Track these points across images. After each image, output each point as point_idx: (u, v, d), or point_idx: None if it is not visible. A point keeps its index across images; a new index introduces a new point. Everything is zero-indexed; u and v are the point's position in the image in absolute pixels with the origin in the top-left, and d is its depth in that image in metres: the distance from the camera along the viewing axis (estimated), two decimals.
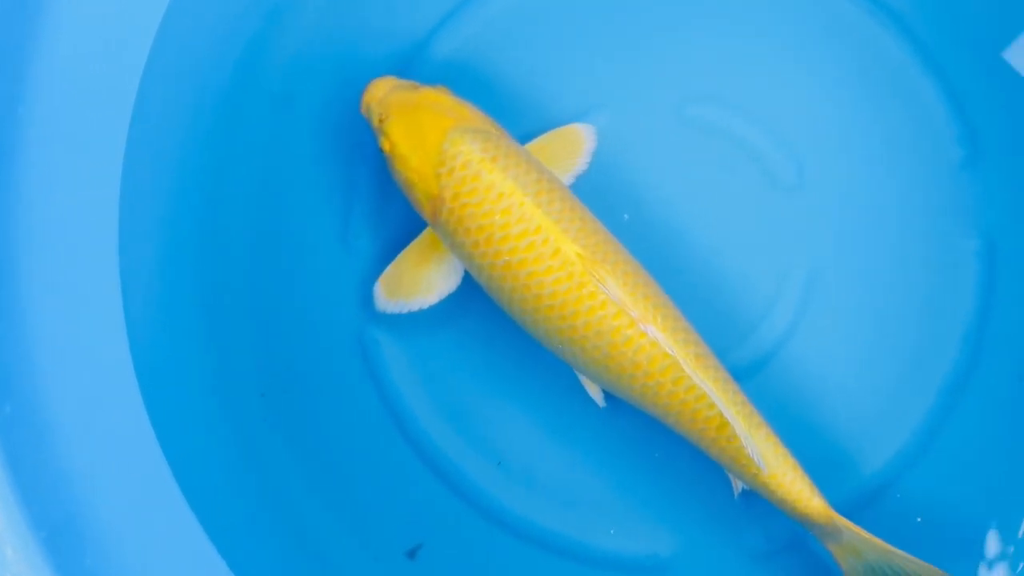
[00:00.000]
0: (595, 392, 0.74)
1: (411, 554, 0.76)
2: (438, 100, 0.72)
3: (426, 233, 0.74)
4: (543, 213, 0.69)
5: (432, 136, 0.70)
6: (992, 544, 0.75)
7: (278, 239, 0.79)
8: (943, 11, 0.82)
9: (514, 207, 0.68)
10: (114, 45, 0.72)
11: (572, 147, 0.77)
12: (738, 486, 0.73)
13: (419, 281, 0.74)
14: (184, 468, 0.71)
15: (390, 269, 0.75)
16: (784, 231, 0.80)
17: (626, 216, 0.78)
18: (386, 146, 0.72)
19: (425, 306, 0.74)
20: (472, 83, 0.80)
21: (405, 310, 0.74)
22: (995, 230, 0.80)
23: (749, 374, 0.79)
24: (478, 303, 0.75)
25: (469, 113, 0.72)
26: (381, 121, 0.72)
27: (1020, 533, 0.75)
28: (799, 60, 0.81)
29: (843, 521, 0.70)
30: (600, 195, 0.78)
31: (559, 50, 0.81)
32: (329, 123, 0.79)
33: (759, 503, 0.73)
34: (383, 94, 0.73)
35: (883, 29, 0.82)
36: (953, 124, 0.81)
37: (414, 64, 0.80)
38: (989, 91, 0.81)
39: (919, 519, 0.76)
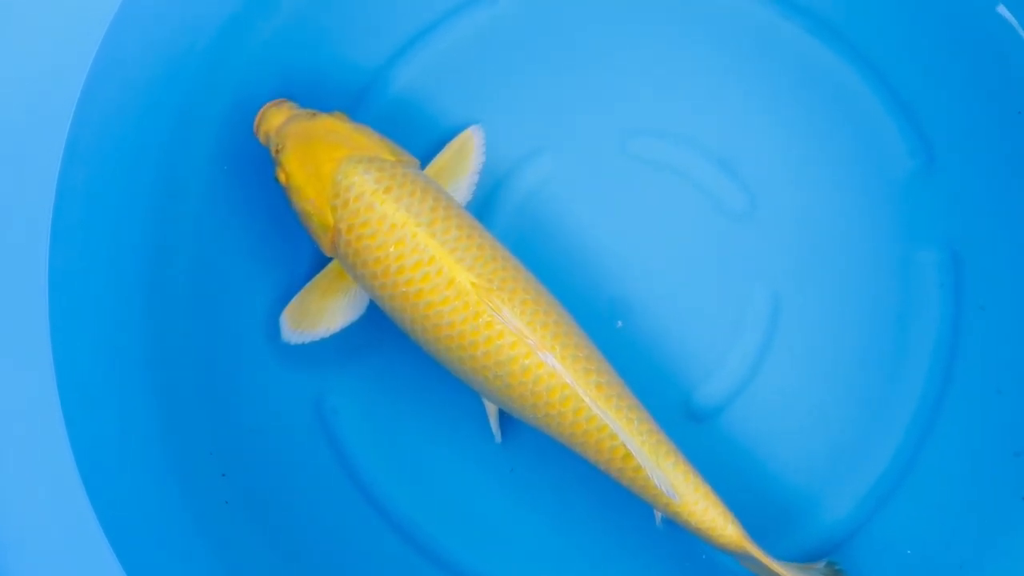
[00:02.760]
0: (494, 425, 0.74)
1: None
2: (334, 128, 0.72)
3: (333, 264, 0.74)
4: (437, 243, 0.68)
5: (326, 167, 0.70)
6: None
7: (222, 305, 0.78)
8: (883, 21, 0.80)
9: (407, 238, 0.68)
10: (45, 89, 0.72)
11: (464, 152, 0.77)
12: (659, 514, 0.71)
13: (323, 311, 0.74)
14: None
15: (295, 301, 0.75)
16: (741, 261, 0.78)
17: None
18: (282, 177, 0.72)
19: (327, 335, 0.75)
20: (414, 123, 0.79)
21: (309, 340, 0.75)
22: (957, 240, 0.78)
23: (715, 413, 0.77)
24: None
25: (366, 141, 0.71)
26: (277, 151, 0.72)
27: None
28: (739, 85, 0.80)
29: (757, 551, 0.69)
30: (548, 236, 0.78)
31: (498, 92, 0.80)
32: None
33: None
34: (280, 123, 0.73)
35: (822, 45, 0.80)
36: (904, 135, 0.79)
37: (360, 102, 0.79)
38: (937, 97, 0.79)
39: (908, 551, 0.75)
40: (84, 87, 0.73)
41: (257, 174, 0.78)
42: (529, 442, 0.76)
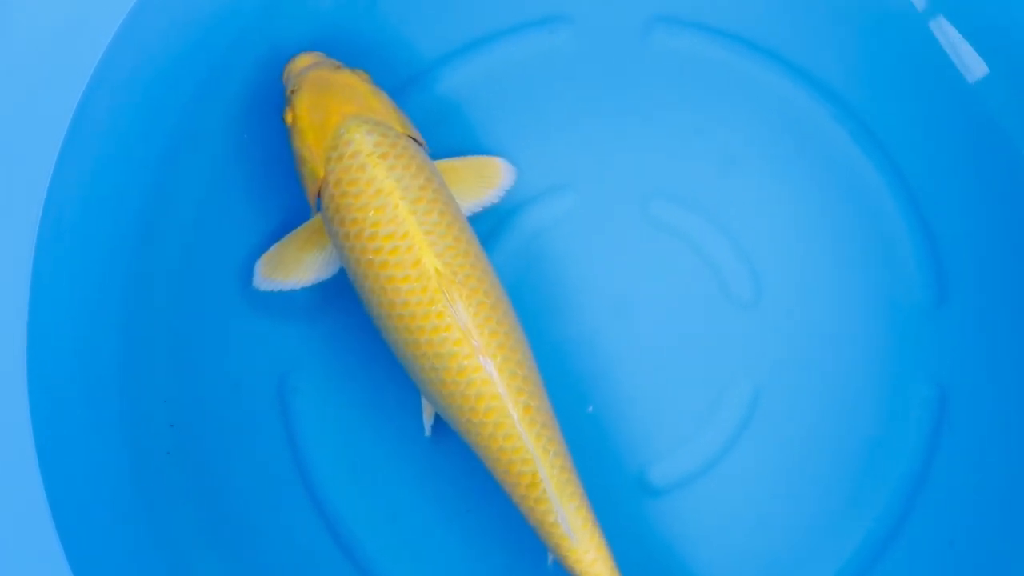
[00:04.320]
0: (427, 418, 0.73)
1: None
2: (352, 85, 0.72)
3: (315, 219, 0.74)
4: (416, 221, 0.68)
5: (333, 119, 0.70)
6: None
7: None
8: (924, 143, 0.79)
9: (388, 207, 0.68)
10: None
11: (486, 178, 0.76)
12: (551, 555, 0.70)
13: (297, 263, 0.74)
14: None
15: (273, 249, 0.75)
16: (731, 347, 0.77)
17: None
18: (288, 118, 0.72)
19: (298, 287, 0.74)
20: (446, 137, 0.79)
21: (278, 289, 0.75)
22: (949, 380, 0.77)
23: (668, 490, 0.76)
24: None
25: (379, 106, 0.71)
26: (292, 92, 0.73)
27: None
28: (773, 177, 0.79)
29: None
30: (547, 274, 0.78)
31: (536, 118, 0.79)
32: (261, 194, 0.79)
33: None
34: (303, 66, 0.73)
35: (866, 161, 0.79)
36: (921, 267, 0.78)
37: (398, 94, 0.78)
38: (964, 242, 0.78)
39: None
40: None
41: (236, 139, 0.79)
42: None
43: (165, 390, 0.76)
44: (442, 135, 0.78)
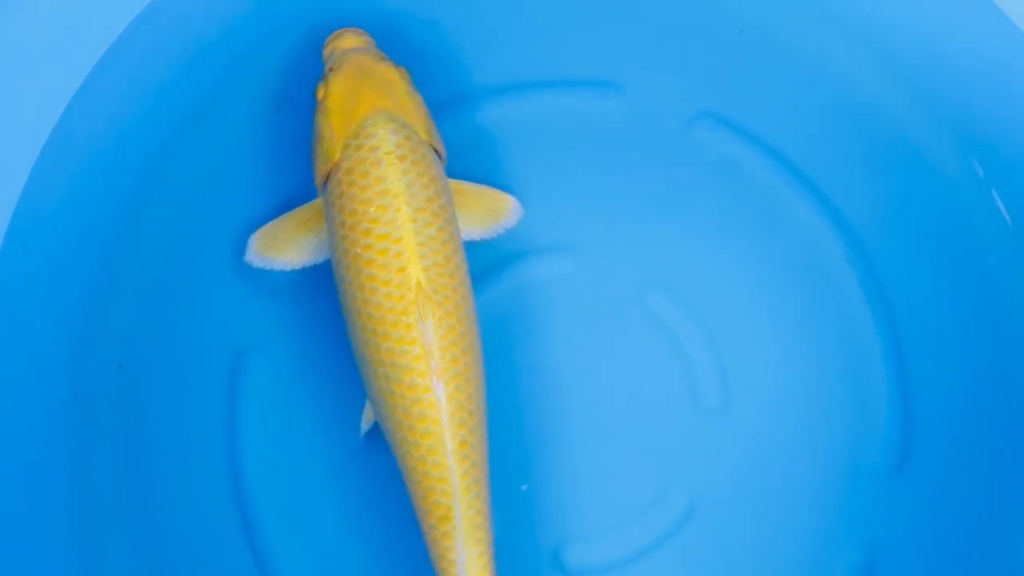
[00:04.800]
0: (366, 422, 0.73)
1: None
2: (391, 80, 0.72)
3: (317, 202, 0.73)
4: (413, 229, 0.68)
5: (362, 108, 0.70)
6: None
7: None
8: (925, 303, 0.79)
9: (391, 208, 0.68)
10: None
11: (493, 211, 0.76)
12: None
13: (292, 243, 0.74)
14: None
15: (269, 225, 0.74)
16: (682, 451, 0.77)
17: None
18: (320, 93, 0.72)
19: (288, 268, 0.74)
20: (468, 161, 0.78)
21: (269, 267, 0.74)
22: (882, 549, 0.76)
23: (587, 571, 0.75)
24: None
25: (411, 107, 0.71)
26: (331, 69, 0.73)
27: None
28: (770, 295, 0.79)
29: None
30: (530, 329, 0.77)
31: (559, 174, 0.79)
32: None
33: None
34: (349, 47, 0.73)
35: (866, 311, 0.79)
36: (893, 426, 0.77)
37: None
38: (939, 406, 0.77)
39: None
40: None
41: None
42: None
43: (121, 338, 0.76)
44: (464, 158, 0.77)
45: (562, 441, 0.76)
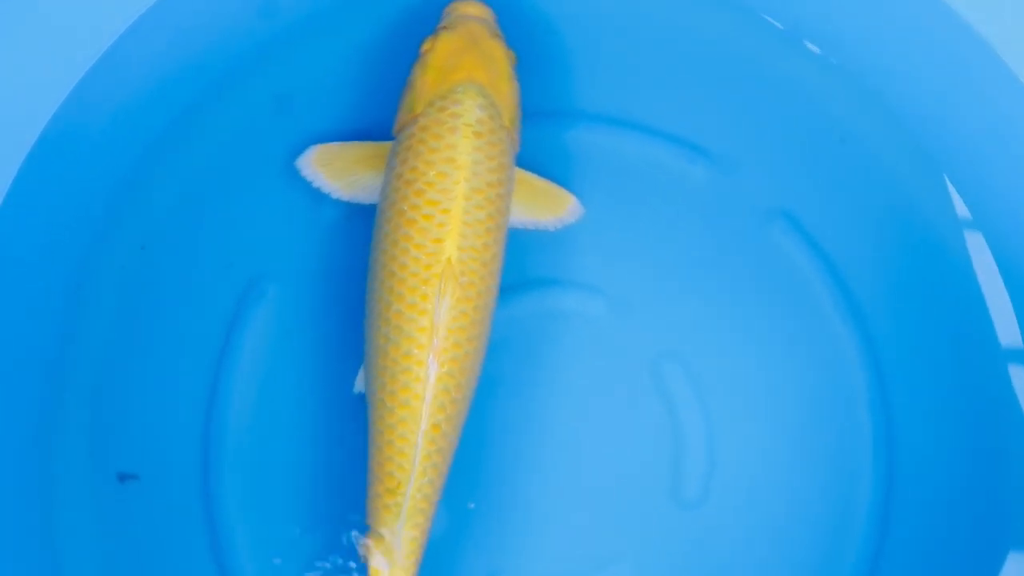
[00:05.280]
0: (360, 380, 0.71)
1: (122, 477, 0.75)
2: (496, 58, 0.72)
3: (387, 145, 0.73)
4: (462, 207, 0.68)
5: (459, 74, 0.70)
6: None
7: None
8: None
9: (450, 178, 0.68)
10: None
11: (553, 204, 0.75)
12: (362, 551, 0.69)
13: (348, 172, 0.74)
14: None
15: (335, 145, 0.74)
16: (648, 533, 0.75)
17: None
18: (426, 46, 0.72)
19: (333, 195, 0.74)
20: (541, 159, 0.78)
21: (316, 184, 0.74)
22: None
23: None
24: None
25: (506, 91, 0.71)
26: (443, 27, 0.72)
27: None
28: (775, 388, 0.77)
29: None
30: (538, 355, 0.76)
31: (623, 217, 0.78)
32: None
33: None
34: (469, 12, 0.73)
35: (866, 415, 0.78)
36: (872, 531, 0.76)
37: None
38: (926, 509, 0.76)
39: None
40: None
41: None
42: None
43: (142, 233, 0.76)
44: (535, 163, 0.76)
45: (526, 474, 0.75)
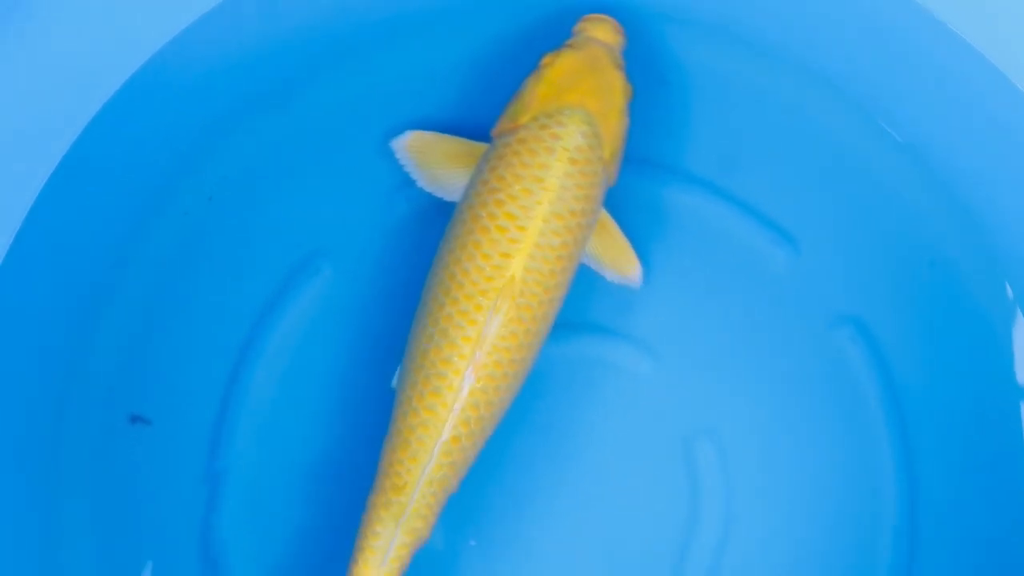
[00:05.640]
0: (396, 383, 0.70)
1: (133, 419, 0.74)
2: (614, 89, 0.71)
3: (483, 147, 0.72)
4: (540, 229, 0.67)
5: (572, 96, 0.69)
6: None
7: None
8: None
9: (533, 197, 0.67)
10: None
11: (618, 261, 0.74)
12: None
13: (438, 163, 0.73)
14: None
15: (433, 135, 0.73)
16: None
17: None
18: (546, 59, 0.71)
19: (417, 182, 0.74)
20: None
21: (403, 164, 0.74)
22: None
23: None
24: None
25: (615, 125, 0.70)
26: (569, 46, 0.72)
27: None
28: (806, 485, 0.76)
29: None
30: (575, 403, 0.75)
31: (682, 275, 0.77)
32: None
33: None
34: (600, 37, 0.72)
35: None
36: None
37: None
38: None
39: None
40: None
41: None
42: None
43: (212, 184, 0.76)
44: (629, 203, 0.76)
45: (533, 518, 0.74)
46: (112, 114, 0.70)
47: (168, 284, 0.75)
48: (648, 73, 0.77)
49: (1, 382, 0.69)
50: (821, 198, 0.77)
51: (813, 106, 0.78)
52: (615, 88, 0.71)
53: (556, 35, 0.74)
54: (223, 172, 0.76)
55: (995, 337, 0.76)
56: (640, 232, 0.75)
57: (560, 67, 0.70)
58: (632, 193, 0.76)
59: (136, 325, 0.75)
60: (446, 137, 0.73)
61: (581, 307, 0.75)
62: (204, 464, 0.74)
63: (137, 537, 0.73)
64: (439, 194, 0.73)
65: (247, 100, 0.76)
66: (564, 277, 0.68)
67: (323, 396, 0.74)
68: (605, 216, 0.72)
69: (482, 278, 0.66)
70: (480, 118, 0.75)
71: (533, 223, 0.67)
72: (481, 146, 0.72)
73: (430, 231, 0.73)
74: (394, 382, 0.70)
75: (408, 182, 0.74)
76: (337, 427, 0.74)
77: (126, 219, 0.74)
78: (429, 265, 0.69)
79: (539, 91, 0.70)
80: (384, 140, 0.75)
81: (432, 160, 0.73)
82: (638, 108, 0.75)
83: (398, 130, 0.74)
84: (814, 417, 0.75)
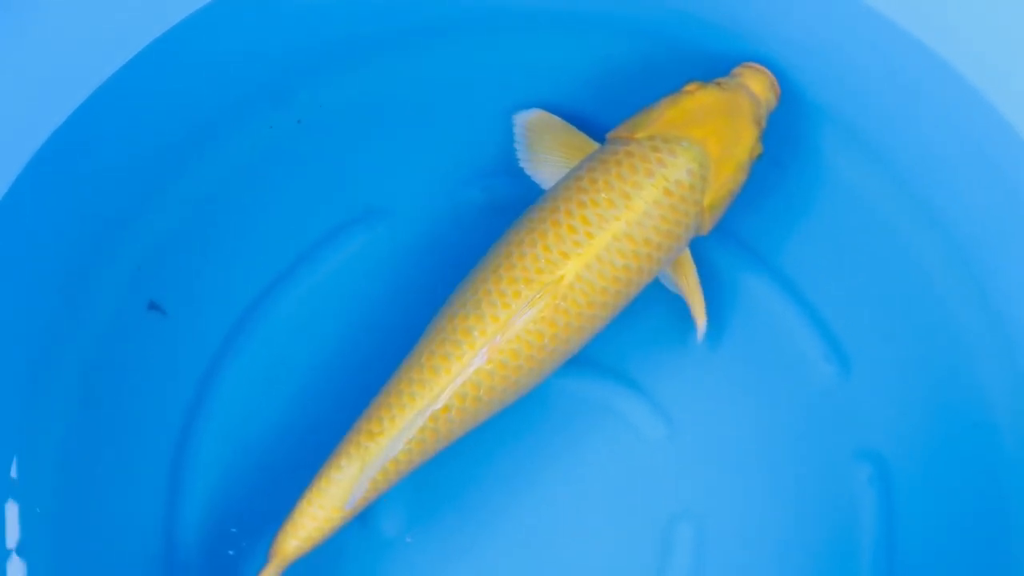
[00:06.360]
0: None
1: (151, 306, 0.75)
2: (742, 143, 0.70)
3: (592, 144, 0.72)
4: (607, 244, 0.66)
5: (700, 133, 0.68)
6: None
7: None
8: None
9: (613, 210, 0.66)
10: None
11: (691, 296, 0.72)
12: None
13: (549, 148, 0.73)
14: None
15: (556, 119, 0.73)
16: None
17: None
18: (691, 87, 0.71)
19: (520, 160, 0.73)
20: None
21: (517, 139, 0.74)
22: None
23: None
24: None
25: (727, 174, 0.69)
26: (718, 84, 0.71)
27: None
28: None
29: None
30: (567, 439, 0.75)
31: (730, 363, 0.75)
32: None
33: None
34: (752, 86, 0.71)
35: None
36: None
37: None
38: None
39: None
40: None
41: None
42: None
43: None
44: (711, 259, 0.75)
45: (488, 538, 0.73)
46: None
47: (212, 215, 0.75)
48: (782, 147, 0.75)
49: None
50: (891, 328, 0.75)
51: (918, 248, 0.75)
52: (743, 141, 0.69)
53: (713, 71, 0.73)
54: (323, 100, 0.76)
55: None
56: (713, 292, 0.74)
57: (698, 98, 0.69)
58: (718, 250, 0.75)
59: (171, 239, 0.75)
60: (567, 126, 0.73)
61: (613, 347, 0.73)
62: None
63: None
64: (536, 178, 0.73)
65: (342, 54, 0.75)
66: (614, 300, 0.67)
67: (339, 351, 0.75)
68: (687, 257, 0.71)
69: (534, 268, 0.65)
70: (600, 119, 0.74)
71: (603, 235, 0.65)
72: (595, 144, 0.71)
73: (490, 230, 0.71)
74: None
75: (487, 172, 0.74)
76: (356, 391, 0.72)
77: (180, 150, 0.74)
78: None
79: (668, 113, 0.68)
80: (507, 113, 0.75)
81: (545, 144, 0.73)
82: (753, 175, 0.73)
83: (521, 106, 0.74)
84: (807, 542, 0.74)
